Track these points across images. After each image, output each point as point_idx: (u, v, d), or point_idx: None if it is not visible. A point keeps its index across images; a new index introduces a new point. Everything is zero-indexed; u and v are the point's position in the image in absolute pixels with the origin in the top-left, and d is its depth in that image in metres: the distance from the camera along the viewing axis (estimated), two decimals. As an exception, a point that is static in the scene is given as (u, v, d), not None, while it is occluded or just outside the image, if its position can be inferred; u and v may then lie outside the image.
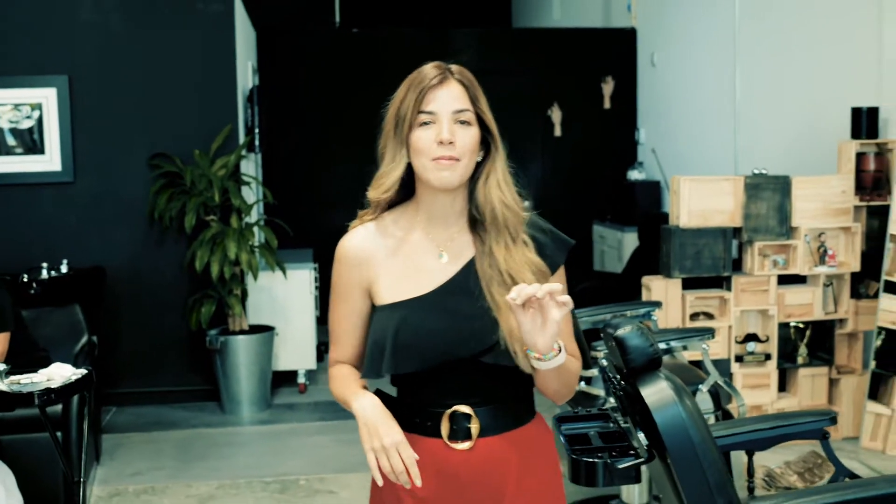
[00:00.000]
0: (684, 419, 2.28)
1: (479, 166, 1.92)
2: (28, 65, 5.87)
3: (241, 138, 6.18)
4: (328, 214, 7.21)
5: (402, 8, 11.51)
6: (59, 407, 4.02)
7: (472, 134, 1.87)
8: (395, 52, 7.86)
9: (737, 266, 5.00)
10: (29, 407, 3.92)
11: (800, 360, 5.05)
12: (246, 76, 6.64)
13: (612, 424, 2.80)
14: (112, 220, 5.97)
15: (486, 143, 1.92)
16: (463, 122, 1.86)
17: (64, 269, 5.52)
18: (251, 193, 6.33)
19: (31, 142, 5.90)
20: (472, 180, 1.92)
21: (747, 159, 6.11)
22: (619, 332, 2.42)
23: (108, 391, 5.84)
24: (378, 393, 1.96)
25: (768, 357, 4.92)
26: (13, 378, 2.95)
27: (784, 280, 4.95)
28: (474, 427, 1.91)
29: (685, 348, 3.79)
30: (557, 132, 8.44)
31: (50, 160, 5.92)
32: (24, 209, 5.89)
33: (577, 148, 8.46)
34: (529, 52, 8.51)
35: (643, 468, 2.98)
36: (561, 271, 1.98)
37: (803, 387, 5.03)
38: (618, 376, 2.55)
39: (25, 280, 5.29)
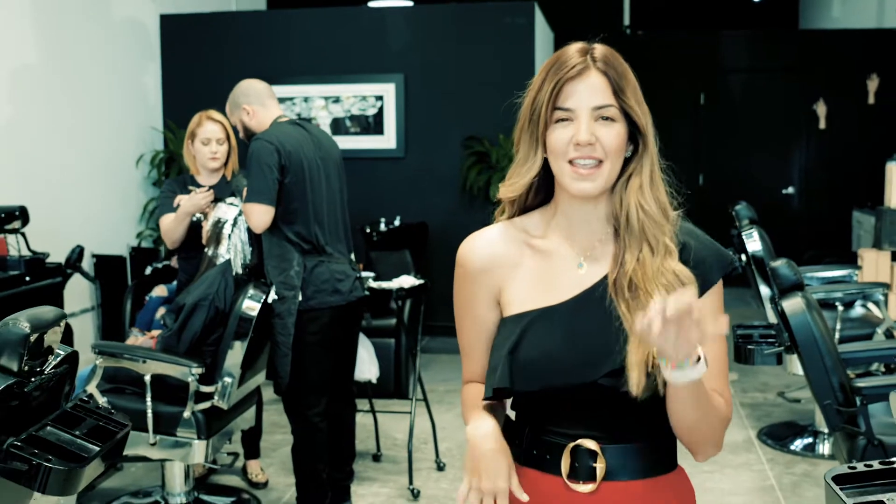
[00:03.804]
0: (809, 321, 3.38)
1: (626, 163, 1.65)
2: (373, 65, 7.47)
3: (538, 125, 7.52)
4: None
5: (691, 11, 12.30)
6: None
7: (616, 132, 1.61)
8: (673, 54, 8.99)
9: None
10: (383, 318, 5.48)
11: None
12: (544, 74, 7.97)
13: (772, 331, 3.99)
14: (433, 187, 7.42)
15: (635, 139, 1.65)
16: (606, 119, 1.60)
17: (397, 223, 7.14)
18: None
19: (367, 124, 7.52)
20: (616, 180, 1.65)
21: None
22: (773, 264, 3.59)
23: (425, 322, 7.37)
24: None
25: (970, 322, 5.72)
26: (378, 283, 4.49)
27: None
28: (599, 467, 1.62)
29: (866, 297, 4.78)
30: (822, 125, 9.23)
31: (388, 140, 7.51)
32: (366, 177, 7.43)
33: (840, 140, 9.23)
34: (798, 52, 9.34)
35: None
36: (714, 292, 1.65)
37: None
38: (777, 296, 3.70)
39: (368, 231, 6.94)
